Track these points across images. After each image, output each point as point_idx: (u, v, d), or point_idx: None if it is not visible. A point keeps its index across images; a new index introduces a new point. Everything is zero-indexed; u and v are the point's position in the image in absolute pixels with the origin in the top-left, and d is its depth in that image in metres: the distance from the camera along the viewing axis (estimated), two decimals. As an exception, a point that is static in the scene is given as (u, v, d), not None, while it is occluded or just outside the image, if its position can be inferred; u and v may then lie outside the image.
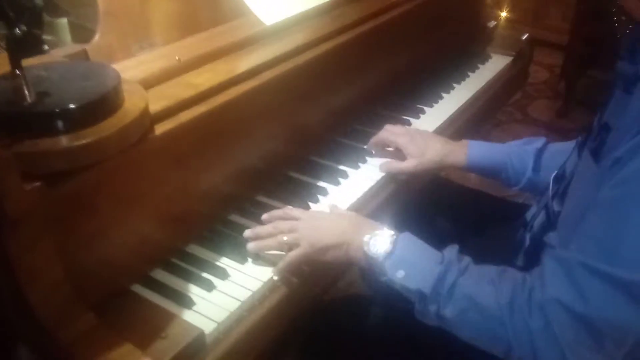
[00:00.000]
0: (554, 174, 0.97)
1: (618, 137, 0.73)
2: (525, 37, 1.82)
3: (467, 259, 0.84)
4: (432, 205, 1.31)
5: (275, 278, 0.91)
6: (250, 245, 0.94)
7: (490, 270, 0.81)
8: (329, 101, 1.22)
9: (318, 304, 1.10)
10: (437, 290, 0.80)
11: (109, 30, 0.92)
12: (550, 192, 0.95)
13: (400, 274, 0.83)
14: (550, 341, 0.72)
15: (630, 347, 0.71)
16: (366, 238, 0.87)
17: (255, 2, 1.11)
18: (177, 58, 0.94)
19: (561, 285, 0.72)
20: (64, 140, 0.70)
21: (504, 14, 3.23)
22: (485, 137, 2.71)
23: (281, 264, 0.91)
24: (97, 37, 0.90)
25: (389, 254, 0.85)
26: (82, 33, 1.02)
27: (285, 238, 0.92)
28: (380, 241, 0.86)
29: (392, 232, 0.87)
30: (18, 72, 0.70)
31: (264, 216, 0.99)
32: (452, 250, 0.85)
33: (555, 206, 0.91)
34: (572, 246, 0.74)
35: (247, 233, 0.96)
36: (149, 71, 0.90)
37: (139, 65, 0.91)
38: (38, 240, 0.70)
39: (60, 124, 0.70)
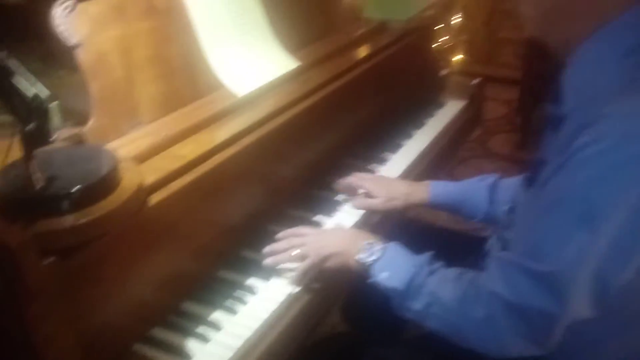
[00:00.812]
0: (507, 207, 1.11)
1: (548, 168, 0.86)
2: (476, 82, 1.98)
3: (438, 264, 0.99)
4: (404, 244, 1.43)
5: (297, 289, 1.07)
6: (269, 260, 1.11)
7: (454, 271, 0.97)
8: (302, 158, 1.34)
9: (304, 348, 1.19)
10: (409, 287, 0.96)
11: (102, 113, 1.02)
12: (504, 224, 1.08)
13: (383, 275, 1.00)
14: (492, 330, 0.87)
15: (561, 337, 0.84)
16: (360, 246, 1.03)
17: (228, 76, 1.23)
18: (163, 134, 1.05)
19: (498, 280, 0.87)
20: (73, 219, 0.80)
21: (460, 57, 3.45)
22: (449, 174, 2.87)
23: (296, 275, 1.08)
24: (91, 121, 1.01)
25: (378, 259, 1.01)
26: (70, 115, 1.13)
27: (296, 251, 1.09)
28: (372, 249, 1.03)
29: (382, 242, 1.04)
30: (30, 161, 0.80)
31: (279, 234, 1.15)
32: (426, 255, 1.00)
33: (508, 235, 1.04)
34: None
35: (266, 249, 1.12)
36: (139, 148, 1.01)
37: (131, 143, 1.02)
38: (53, 310, 0.79)
39: (68, 204, 0.80)
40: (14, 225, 0.76)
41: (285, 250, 1.11)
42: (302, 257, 1.09)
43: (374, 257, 1.02)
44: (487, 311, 0.88)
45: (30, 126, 0.78)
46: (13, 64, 0.77)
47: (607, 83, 0.81)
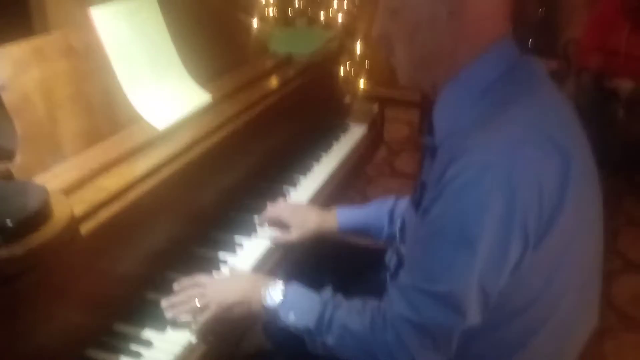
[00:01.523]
0: (399, 225, 1.26)
1: (428, 195, 1.02)
2: (375, 107, 2.17)
3: (339, 297, 1.08)
4: (318, 259, 1.55)
5: (194, 341, 1.09)
6: (168, 314, 1.12)
7: (357, 303, 1.06)
8: (221, 183, 1.45)
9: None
10: (319, 325, 1.04)
11: (28, 150, 1.08)
12: (397, 239, 1.23)
13: (291, 317, 1.07)
14: (403, 348, 0.98)
15: (457, 342, 0.98)
16: (263, 292, 1.10)
17: (145, 111, 1.32)
18: (87, 167, 1.12)
19: (400, 304, 0.98)
20: (9, 251, 0.86)
21: (363, 82, 3.66)
22: (361, 193, 3.05)
23: (196, 327, 1.10)
24: (18, 158, 1.06)
25: (282, 302, 1.08)
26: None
27: (196, 303, 1.12)
28: (274, 293, 1.10)
29: (282, 284, 1.11)
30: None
31: (175, 286, 1.17)
32: (327, 292, 1.10)
33: (403, 249, 1.19)
34: (403, 273, 1.02)
35: (164, 304, 1.14)
36: (66, 181, 1.07)
37: (57, 177, 1.08)
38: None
39: (4, 237, 0.86)
40: (-47, 258, 0.81)
41: (183, 302, 1.13)
42: (203, 309, 1.11)
43: (277, 301, 1.09)
44: (396, 333, 0.98)
45: (-35, 166, 0.84)
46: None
47: (466, 120, 0.98)
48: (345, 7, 3.49)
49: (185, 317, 1.12)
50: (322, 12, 3.40)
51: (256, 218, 1.46)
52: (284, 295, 1.09)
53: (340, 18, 3.50)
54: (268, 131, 1.65)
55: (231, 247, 1.35)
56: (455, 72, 1.01)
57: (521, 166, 0.90)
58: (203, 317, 1.10)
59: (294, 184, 1.67)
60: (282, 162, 1.72)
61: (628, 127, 3.19)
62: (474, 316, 0.95)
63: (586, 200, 1.00)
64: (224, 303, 1.11)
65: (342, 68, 3.18)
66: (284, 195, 1.60)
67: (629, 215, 3.07)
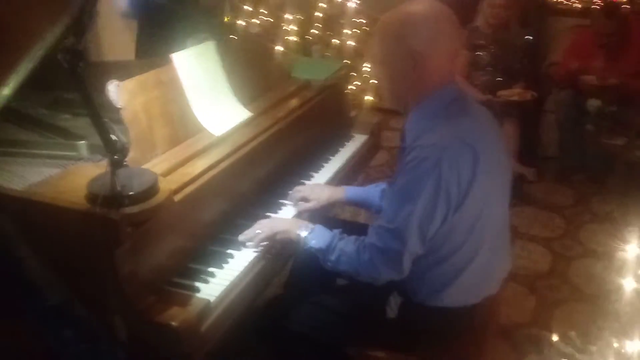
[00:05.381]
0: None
1: None
2: (375, 120, 2.74)
3: (345, 235, 1.68)
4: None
5: (258, 256, 1.73)
6: (241, 237, 1.76)
7: (353, 238, 1.66)
8: (257, 175, 2.03)
9: (255, 305, 1.86)
10: (328, 248, 1.65)
11: (136, 149, 1.67)
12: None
13: (313, 242, 1.68)
14: (372, 266, 1.58)
15: (417, 271, 1.57)
16: (299, 226, 1.73)
17: (207, 123, 1.92)
18: (174, 160, 1.72)
19: (372, 235, 1.59)
20: (139, 208, 1.44)
21: (369, 97, 4.23)
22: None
23: (254, 241, 1.75)
24: (131, 153, 1.65)
25: (309, 234, 1.70)
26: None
27: (257, 230, 1.75)
28: (305, 228, 1.72)
29: (311, 224, 1.74)
30: (114, 175, 1.44)
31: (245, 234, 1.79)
32: (339, 230, 1.70)
33: None
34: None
35: (241, 236, 1.77)
36: (162, 169, 1.67)
37: (155, 166, 1.67)
38: (128, 257, 1.44)
39: (135, 200, 1.45)
40: (111, 209, 1.40)
41: (250, 231, 1.77)
42: (260, 233, 1.75)
43: (307, 232, 1.72)
44: (369, 255, 1.59)
45: (116, 157, 1.43)
46: (111, 124, 1.43)
47: (423, 131, 1.56)
48: (356, 33, 4.06)
49: (252, 238, 1.75)
50: (335, 40, 3.97)
51: (282, 200, 2.05)
52: (312, 230, 1.71)
53: (352, 42, 4.08)
54: (290, 139, 2.23)
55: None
56: (418, 101, 1.60)
57: (445, 160, 1.48)
58: (260, 236, 1.74)
59: (308, 178, 2.24)
60: (301, 161, 2.30)
61: (595, 138, 3.72)
62: (414, 246, 1.55)
63: (493, 182, 1.59)
64: (273, 229, 1.75)
65: (350, 86, 3.76)
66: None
67: (593, 212, 3.61)
